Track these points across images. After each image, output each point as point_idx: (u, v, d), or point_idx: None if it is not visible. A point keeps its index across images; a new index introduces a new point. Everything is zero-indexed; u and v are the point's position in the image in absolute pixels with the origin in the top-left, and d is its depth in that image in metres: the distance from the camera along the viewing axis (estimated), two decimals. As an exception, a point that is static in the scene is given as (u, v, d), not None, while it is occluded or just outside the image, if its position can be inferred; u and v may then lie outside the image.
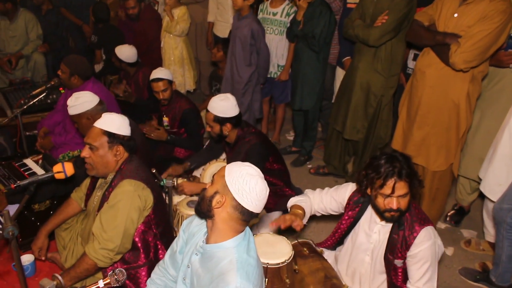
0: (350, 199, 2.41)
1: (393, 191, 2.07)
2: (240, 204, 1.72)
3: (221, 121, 3.07)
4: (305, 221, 2.50)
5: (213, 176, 1.82)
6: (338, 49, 4.33)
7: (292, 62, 4.44)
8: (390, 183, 2.07)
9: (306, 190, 2.66)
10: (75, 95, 3.00)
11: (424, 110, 3.11)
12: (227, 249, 1.76)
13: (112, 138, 2.38)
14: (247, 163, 1.81)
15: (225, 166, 1.80)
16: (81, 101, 2.93)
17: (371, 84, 3.64)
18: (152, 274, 2.18)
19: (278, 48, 4.49)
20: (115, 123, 2.39)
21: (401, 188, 2.08)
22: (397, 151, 2.21)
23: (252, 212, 1.75)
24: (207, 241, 1.84)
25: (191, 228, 1.98)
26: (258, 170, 1.80)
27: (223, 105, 3.04)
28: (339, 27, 4.15)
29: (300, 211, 2.45)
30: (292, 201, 2.56)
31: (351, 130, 3.84)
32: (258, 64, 4.22)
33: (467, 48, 2.78)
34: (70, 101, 2.96)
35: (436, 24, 3.01)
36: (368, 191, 2.20)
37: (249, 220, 1.80)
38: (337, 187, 2.53)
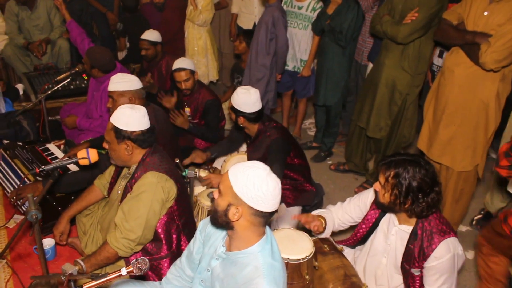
0: (373, 203, 2.38)
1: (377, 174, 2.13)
2: (258, 210, 1.67)
3: (236, 112, 3.08)
4: (327, 233, 2.49)
5: (218, 187, 1.75)
6: (364, 45, 4.27)
7: (317, 57, 4.38)
8: (380, 166, 2.12)
9: (328, 205, 2.63)
10: (122, 74, 3.03)
11: (451, 109, 3.05)
12: (251, 254, 1.73)
13: (119, 133, 2.36)
14: (249, 163, 1.72)
15: (227, 174, 1.70)
16: (129, 79, 2.97)
17: (397, 81, 3.58)
18: (168, 274, 2.16)
19: (302, 43, 4.45)
20: (123, 118, 2.34)
21: (380, 176, 2.10)
22: (420, 157, 2.13)
23: (272, 211, 1.72)
24: (229, 247, 1.81)
25: (207, 230, 1.95)
26: (262, 164, 1.72)
27: (241, 98, 3.02)
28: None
29: (321, 220, 2.45)
30: (314, 213, 2.55)
31: (374, 128, 3.79)
32: (275, 52, 4.17)
33: (498, 47, 2.71)
34: (116, 77, 2.99)
35: (465, 22, 2.94)
36: None
37: (269, 219, 1.77)
38: (358, 194, 2.52)
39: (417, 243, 2.14)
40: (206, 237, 1.94)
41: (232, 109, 3.08)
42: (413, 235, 2.16)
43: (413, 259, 2.16)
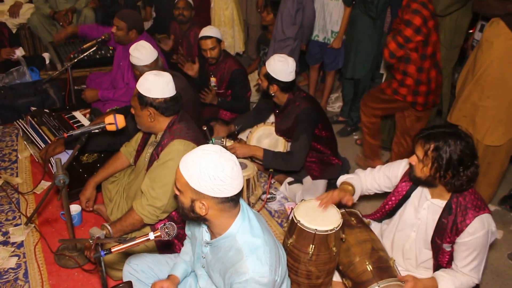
0: (404, 174, 2.31)
1: (414, 147, 2.05)
2: (223, 197, 1.59)
3: (270, 79, 3.01)
4: (355, 198, 2.43)
5: (175, 185, 1.64)
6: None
7: (346, 29, 4.27)
8: (420, 144, 2.02)
9: (357, 169, 2.58)
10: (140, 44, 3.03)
11: (487, 81, 2.93)
12: (230, 236, 1.69)
13: (142, 100, 2.33)
14: (197, 150, 1.59)
15: (179, 170, 1.59)
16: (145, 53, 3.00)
17: (431, 54, 3.45)
18: (182, 249, 2.15)
19: (333, 14, 4.32)
20: (146, 84, 2.31)
21: (417, 148, 2.02)
22: (465, 132, 2.03)
23: (239, 192, 1.63)
24: (212, 234, 1.78)
25: None
26: (210, 147, 1.61)
27: (279, 66, 2.96)
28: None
29: (350, 187, 2.38)
30: (342, 178, 2.50)
31: None
32: (302, 23, 4.06)
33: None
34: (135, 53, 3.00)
35: (506, -8, 2.79)
36: None
37: (239, 198, 1.69)
38: (389, 164, 2.44)
39: (451, 217, 2.07)
40: (192, 224, 1.91)
41: (266, 76, 3.02)
42: (447, 209, 2.09)
43: (445, 234, 2.10)
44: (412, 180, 2.18)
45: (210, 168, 1.53)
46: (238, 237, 1.68)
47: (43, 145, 3.13)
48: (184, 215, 1.68)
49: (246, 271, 1.61)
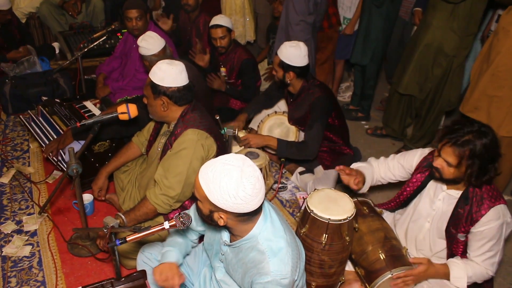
0: (419, 165, 2.29)
1: (440, 151, 1.99)
2: (243, 212, 1.54)
3: (285, 67, 2.98)
4: (365, 189, 2.42)
5: (194, 193, 1.60)
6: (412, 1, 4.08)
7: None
8: (444, 142, 1.97)
9: (369, 158, 2.55)
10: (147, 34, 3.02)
11: (502, 70, 2.88)
12: (252, 238, 1.66)
13: (155, 88, 2.31)
14: (218, 164, 1.51)
15: (198, 181, 1.53)
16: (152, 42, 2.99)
17: (444, 43, 3.39)
18: (169, 241, 2.06)
19: (345, 1, 4.29)
20: (159, 73, 2.29)
21: (448, 154, 1.95)
22: (488, 127, 2.00)
23: (259, 207, 1.58)
24: (232, 238, 1.75)
25: None
26: (234, 161, 1.52)
27: (292, 52, 2.92)
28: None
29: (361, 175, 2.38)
30: (353, 167, 2.47)
31: (410, 84, 3.63)
32: (317, 11, 4.00)
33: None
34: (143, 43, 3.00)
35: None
36: None
37: (261, 209, 1.63)
38: (404, 153, 2.41)
39: (467, 207, 2.05)
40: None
41: (281, 64, 2.98)
42: (463, 199, 2.07)
43: (460, 223, 2.08)
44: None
45: (230, 188, 1.47)
46: (260, 238, 1.65)
47: (55, 136, 3.13)
48: (200, 217, 1.66)
49: (268, 272, 1.59)
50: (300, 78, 3.03)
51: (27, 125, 3.35)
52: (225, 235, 1.78)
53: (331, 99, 3.08)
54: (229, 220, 1.58)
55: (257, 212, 1.61)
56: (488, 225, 2.02)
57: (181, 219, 1.62)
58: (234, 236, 1.73)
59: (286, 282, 1.61)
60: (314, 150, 2.98)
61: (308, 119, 3.01)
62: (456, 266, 2.12)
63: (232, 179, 1.47)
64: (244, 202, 1.50)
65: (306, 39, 3.77)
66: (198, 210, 1.64)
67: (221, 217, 1.57)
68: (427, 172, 2.24)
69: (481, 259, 2.08)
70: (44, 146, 3.05)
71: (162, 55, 3.01)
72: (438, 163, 2.02)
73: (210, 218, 1.59)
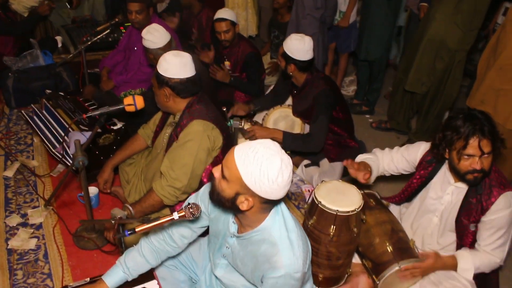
0: (422, 158, 2.28)
1: (476, 150, 1.92)
2: (271, 199, 1.52)
3: (287, 59, 2.98)
4: (372, 180, 2.41)
5: (222, 171, 1.53)
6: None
7: (360, 9, 4.20)
8: (473, 142, 1.91)
9: (374, 149, 2.54)
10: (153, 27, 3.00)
11: (509, 63, 2.86)
12: (264, 230, 1.63)
13: (159, 78, 2.31)
14: (260, 148, 1.49)
15: (234, 160, 1.48)
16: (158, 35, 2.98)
17: (447, 37, 3.37)
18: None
19: None
20: (163, 64, 2.29)
21: (485, 146, 1.91)
22: (475, 109, 2.01)
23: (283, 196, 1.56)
24: (240, 227, 1.71)
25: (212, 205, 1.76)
26: (276, 147, 1.52)
27: (295, 44, 2.92)
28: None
29: (368, 168, 2.36)
30: (359, 158, 2.46)
31: (416, 82, 3.61)
32: (326, 6, 3.99)
33: None
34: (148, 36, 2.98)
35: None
36: (446, 154, 2.06)
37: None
38: (408, 146, 2.40)
39: (478, 196, 2.05)
40: (212, 211, 1.80)
41: (284, 55, 2.98)
42: (474, 189, 2.07)
43: (471, 213, 2.07)
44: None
45: (271, 172, 1.45)
46: (272, 231, 1.62)
47: (59, 130, 3.12)
48: (218, 202, 1.59)
49: (281, 266, 1.57)
50: (302, 71, 3.02)
51: (29, 120, 3.33)
52: (233, 227, 1.75)
53: (335, 92, 3.07)
54: (254, 206, 1.55)
55: (279, 201, 1.60)
56: (499, 213, 2.01)
57: (191, 210, 1.60)
58: (243, 227, 1.70)
59: (299, 276, 1.59)
60: (319, 142, 2.97)
61: (312, 112, 3.00)
62: (464, 257, 2.11)
63: (273, 164, 1.46)
64: (279, 188, 1.48)
65: (313, 33, 3.75)
66: (216, 192, 1.57)
67: (247, 200, 1.52)
68: (430, 168, 2.23)
69: (491, 247, 2.07)
70: (46, 141, 3.03)
71: (168, 49, 2.98)
72: (478, 164, 1.95)
73: (232, 201, 1.54)
